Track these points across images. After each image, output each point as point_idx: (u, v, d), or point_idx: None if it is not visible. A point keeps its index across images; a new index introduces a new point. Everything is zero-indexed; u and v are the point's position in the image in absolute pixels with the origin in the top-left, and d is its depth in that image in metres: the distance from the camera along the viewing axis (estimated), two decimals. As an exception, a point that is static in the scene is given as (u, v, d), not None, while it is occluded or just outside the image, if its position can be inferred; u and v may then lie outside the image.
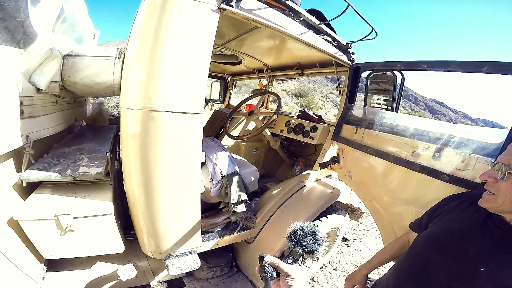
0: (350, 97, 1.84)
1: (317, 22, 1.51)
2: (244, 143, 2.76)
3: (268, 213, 1.82)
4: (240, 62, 2.72)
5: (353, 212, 2.27)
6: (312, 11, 1.54)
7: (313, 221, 1.78)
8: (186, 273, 1.72)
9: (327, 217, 1.92)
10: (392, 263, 1.14)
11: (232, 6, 1.04)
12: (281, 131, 2.45)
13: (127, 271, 1.36)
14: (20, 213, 1.02)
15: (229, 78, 3.62)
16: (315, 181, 2.04)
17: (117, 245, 1.28)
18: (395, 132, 1.44)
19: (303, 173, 2.00)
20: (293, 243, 0.63)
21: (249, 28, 1.62)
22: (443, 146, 1.21)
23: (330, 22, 1.58)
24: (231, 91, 3.68)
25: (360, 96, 1.89)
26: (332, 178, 2.27)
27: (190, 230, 1.38)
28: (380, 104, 1.84)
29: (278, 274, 0.60)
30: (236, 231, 1.69)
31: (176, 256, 1.37)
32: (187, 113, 1.08)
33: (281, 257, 0.64)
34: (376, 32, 1.62)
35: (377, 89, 1.77)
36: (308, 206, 1.78)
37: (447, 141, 1.20)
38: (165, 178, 1.17)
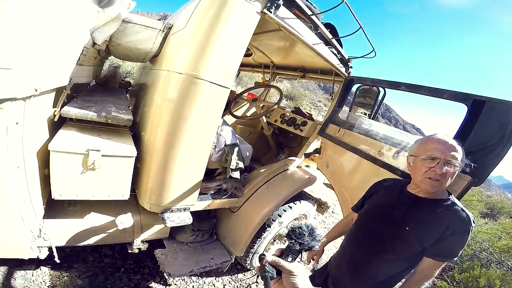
0: (340, 102, 2.23)
1: (330, 36, 1.87)
2: (240, 126, 3.08)
3: (254, 187, 2.13)
4: (250, 55, 3.03)
5: (320, 206, 2.70)
6: (327, 25, 1.90)
7: (288, 201, 2.16)
8: (167, 237, 1.87)
9: (300, 202, 2.29)
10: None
11: (271, 12, 1.36)
12: (276, 121, 2.80)
13: (125, 220, 1.49)
14: (54, 144, 1.13)
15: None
16: (297, 167, 2.42)
17: (125, 192, 1.39)
18: (368, 135, 1.85)
19: (289, 158, 2.37)
20: (293, 241, 0.66)
21: (271, 28, 1.94)
22: (401, 149, 1.63)
23: (340, 38, 1.95)
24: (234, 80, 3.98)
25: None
26: (310, 168, 2.67)
27: (191, 188, 1.60)
28: (362, 114, 2.27)
29: (278, 273, 0.62)
30: (226, 196, 1.96)
31: (172, 211, 1.58)
32: (220, 85, 1.37)
33: (281, 255, 0.66)
34: (375, 52, 2.03)
35: (362, 102, 2.19)
36: (288, 185, 2.13)
37: (404, 146, 1.63)
38: (188, 134, 1.40)
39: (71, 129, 1.33)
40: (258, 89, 3.11)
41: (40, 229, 1.22)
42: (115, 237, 1.60)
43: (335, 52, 2.00)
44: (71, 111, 1.28)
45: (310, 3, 1.67)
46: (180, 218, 1.59)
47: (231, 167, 1.87)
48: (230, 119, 3.06)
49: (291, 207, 2.15)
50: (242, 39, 1.35)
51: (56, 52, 1.08)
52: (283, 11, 1.46)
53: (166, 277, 1.85)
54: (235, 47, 1.35)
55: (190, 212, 1.69)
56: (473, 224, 1.00)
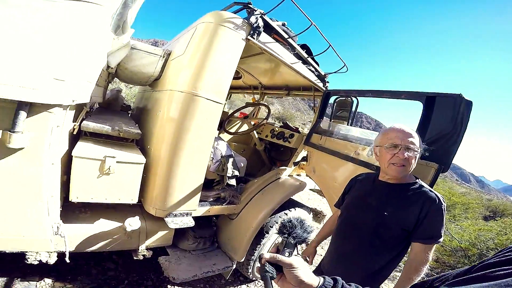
0: (321, 114, 2.59)
1: (306, 55, 2.27)
2: (235, 143, 3.39)
3: (250, 195, 2.36)
4: (240, 77, 3.45)
5: (316, 215, 2.94)
6: (303, 46, 2.31)
7: (283, 209, 2.37)
8: (170, 244, 2.05)
9: (295, 209, 2.53)
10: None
11: (254, 38, 1.73)
12: (266, 136, 3.13)
13: (133, 222, 1.65)
14: (78, 151, 1.39)
15: (225, 90, 4.34)
16: (288, 175, 2.70)
17: (134, 196, 1.61)
18: (345, 138, 2.17)
19: (280, 167, 2.65)
20: (286, 235, 0.68)
21: (256, 52, 2.34)
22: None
23: (314, 56, 2.35)
24: (225, 101, 4.38)
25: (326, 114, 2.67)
26: (300, 176, 2.94)
27: (192, 193, 1.83)
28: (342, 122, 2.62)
29: (278, 269, 0.64)
30: (225, 203, 2.18)
31: (176, 215, 1.79)
32: (214, 101, 1.68)
33: (277, 252, 0.68)
34: (347, 67, 2.43)
35: (340, 111, 2.56)
36: (281, 191, 2.38)
37: (375, 145, 1.94)
38: (189, 145, 1.67)
39: (88, 141, 1.60)
40: (250, 108, 3.49)
41: (58, 227, 1.41)
42: (122, 244, 1.77)
43: (313, 69, 2.39)
44: (90, 125, 1.57)
45: (287, 27, 2.06)
46: (183, 222, 1.80)
47: (227, 175, 2.14)
48: (225, 137, 3.38)
49: (286, 214, 2.38)
50: (231, 61, 1.70)
51: (87, 71, 1.38)
52: (264, 37, 1.83)
53: (171, 280, 1.99)
54: (226, 68, 1.69)
55: (193, 218, 1.89)
56: (443, 203, 1.10)
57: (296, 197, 2.69)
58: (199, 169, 1.82)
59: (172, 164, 1.68)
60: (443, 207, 1.10)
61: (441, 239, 1.11)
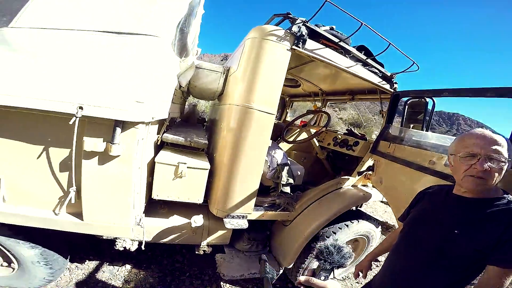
0: (389, 118, 2.37)
1: (364, 57, 2.15)
2: (295, 152, 3.44)
3: (306, 203, 2.37)
4: (299, 86, 3.50)
5: (387, 229, 2.67)
6: (360, 47, 2.20)
7: (345, 220, 2.28)
8: (227, 243, 2.24)
9: (358, 221, 2.37)
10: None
11: (299, 47, 1.78)
12: (328, 144, 3.06)
13: (198, 219, 1.94)
14: (159, 158, 1.74)
15: (287, 99, 4.45)
16: (351, 186, 2.55)
17: (200, 197, 1.88)
18: (418, 146, 1.93)
19: (342, 177, 2.54)
20: (322, 261, 0.70)
21: (309, 59, 2.35)
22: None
23: (375, 57, 2.21)
24: (287, 110, 4.48)
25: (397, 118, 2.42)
26: (367, 187, 2.73)
27: (248, 197, 1.97)
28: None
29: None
30: (279, 210, 2.26)
31: (233, 217, 1.99)
32: (267, 112, 1.80)
33: (313, 275, 0.69)
34: (417, 65, 2.18)
35: (412, 115, 2.28)
36: (340, 201, 2.29)
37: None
38: (246, 153, 1.82)
39: (168, 150, 1.97)
40: (310, 116, 3.48)
41: (140, 219, 1.73)
42: (187, 238, 2.07)
43: (375, 71, 2.24)
44: (168, 136, 1.94)
45: (336, 31, 2.01)
46: (238, 223, 1.98)
47: (282, 182, 2.21)
48: (286, 146, 3.47)
49: (347, 225, 2.27)
50: (279, 73, 1.79)
51: (164, 92, 1.73)
52: (312, 44, 1.85)
53: (221, 277, 2.20)
54: (274, 80, 1.78)
55: (248, 221, 2.04)
56: None
57: (369, 209, 2.52)
58: (254, 175, 1.95)
59: (232, 170, 1.87)
60: None
61: None
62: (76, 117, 1.24)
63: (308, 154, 3.53)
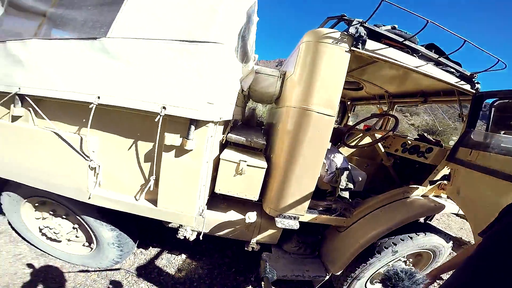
0: (471, 122, 2.08)
1: (436, 56, 1.96)
2: (357, 157, 3.28)
3: (366, 210, 2.25)
4: (361, 88, 3.34)
5: (460, 245, 2.32)
6: (430, 46, 2.01)
7: (407, 230, 2.09)
8: (275, 243, 2.32)
9: (425, 234, 2.14)
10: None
11: (359, 48, 1.73)
12: (396, 150, 2.83)
13: (252, 216, 2.05)
14: (224, 155, 1.93)
15: (348, 103, 4.27)
16: (421, 196, 2.30)
17: (256, 194, 2.00)
18: (510, 153, 1.65)
19: (410, 186, 2.32)
20: (390, 287, 0.68)
21: (371, 60, 2.26)
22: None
23: (449, 55, 1.98)
24: (349, 114, 4.30)
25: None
26: (440, 198, 2.41)
27: (302, 199, 1.97)
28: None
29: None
30: (334, 214, 2.21)
31: (284, 217, 2.03)
32: (325, 114, 1.80)
33: None
34: (504, 64, 1.88)
35: (501, 118, 1.96)
36: (405, 211, 2.09)
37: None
38: (303, 155, 1.84)
39: (231, 149, 2.16)
40: (375, 120, 3.28)
41: (203, 209, 1.91)
42: (240, 234, 2.20)
43: (452, 70, 2.01)
44: (232, 136, 2.13)
45: (399, 30, 1.88)
46: (289, 223, 2.01)
47: (340, 186, 2.16)
48: (345, 151, 3.34)
49: (411, 238, 2.07)
50: (338, 74, 1.77)
51: (229, 95, 1.92)
52: (373, 44, 1.78)
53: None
54: (334, 82, 1.78)
55: (299, 223, 2.05)
56: None
57: (441, 225, 2.25)
58: (311, 178, 1.95)
59: (288, 171, 1.92)
60: None
61: None
62: (160, 116, 1.50)
63: (371, 160, 3.32)
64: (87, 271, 2.37)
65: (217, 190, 1.99)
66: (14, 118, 1.82)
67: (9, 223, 2.68)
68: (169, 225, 2.15)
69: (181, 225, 2.11)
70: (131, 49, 1.58)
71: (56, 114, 1.76)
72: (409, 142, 2.72)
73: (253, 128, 3.20)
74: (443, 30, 1.77)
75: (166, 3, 1.61)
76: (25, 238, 2.48)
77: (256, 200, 2.04)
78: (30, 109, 1.77)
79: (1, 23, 1.96)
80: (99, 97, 1.57)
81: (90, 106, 1.56)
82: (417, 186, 2.30)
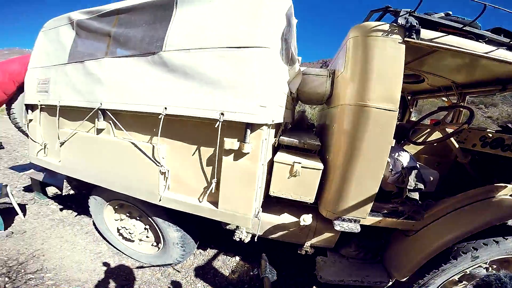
0: None
1: (507, 40, 1.70)
2: (425, 156, 2.97)
3: (440, 212, 2.01)
4: (422, 81, 3.03)
5: None
6: (496, 30, 1.75)
7: (491, 233, 1.81)
8: (332, 247, 2.23)
9: (505, 238, 1.82)
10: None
11: (414, 38, 1.60)
12: (474, 145, 2.49)
13: (307, 218, 2.00)
14: (277, 157, 1.94)
15: (408, 97, 3.92)
16: (510, 195, 1.97)
17: (311, 196, 1.96)
18: None
19: (496, 184, 2.00)
20: None
21: (430, 50, 2.02)
22: None
23: None
24: (411, 109, 3.94)
25: None
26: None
27: (364, 201, 1.86)
28: None
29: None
30: (402, 217, 2.02)
31: (343, 220, 1.93)
32: (386, 109, 1.68)
33: None
34: None
35: None
36: (490, 212, 1.82)
37: None
38: (363, 154, 1.75)
39: (283, 151, 2.16)
40: (442, 114, 2.94)
41: (258, 212, 1.92)
42: (293, 237, 2.18)
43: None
44: (284, 139, 2.15)
45: (455, 16, 1.72)
46: (349, 226, 1.91)
47: (408, 187, 1.98)
48: (411, 150, 3.06)
49: (497, 242, 1.79)
50: (395, 66, 1.66)
51: (279, 98, 1.96)
52: (428, 33, 1.64)
53: (317, 278, 2.13)
54: (391, 74, 1.67)
55: (361, 225, 1.94)
56: None
57: None
58: (373, 178, 1.83)
59: (347, 172, 1.83)
60: None
61: None
62: (219, 122, 1.60)
63: (443, 158, 2.97)
64: (152, 268, 2.61)
65: (272, 192, 2.00)
66: (99, 131, 2.14)
67: (94, 224, 3.12)
68: (227, 227, 2.25)
69: (238, 227, 2.18)
70: (185, 60, 1.71)
71: (131, 125, 2.02)
72: (490, 135, 2.36)
73: (304, 130, 3.17)
74: (502, 16, 1.55)
75: (209, 13, 1.69)
76: (106, 237, 2.86)
77: (311, 202, 2.00)
78: (110, 122, 2.07)
79: (76, 44, 2.31)
80: (166, 108, 1.75)
81: (159, 117, 1.75)
82: (504, 184, 1.97)
